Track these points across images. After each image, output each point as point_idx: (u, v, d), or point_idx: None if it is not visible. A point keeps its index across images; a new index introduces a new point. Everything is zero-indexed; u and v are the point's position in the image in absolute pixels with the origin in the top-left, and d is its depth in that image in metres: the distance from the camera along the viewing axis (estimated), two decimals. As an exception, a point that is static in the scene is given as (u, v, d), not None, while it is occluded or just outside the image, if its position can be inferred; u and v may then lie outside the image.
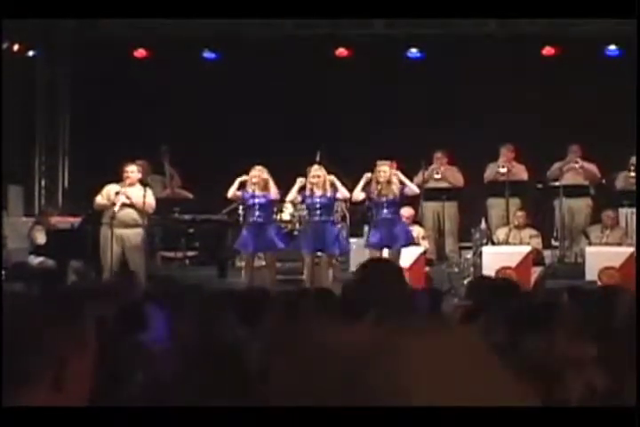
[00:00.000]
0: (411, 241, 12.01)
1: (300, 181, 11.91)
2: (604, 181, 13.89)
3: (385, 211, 11.81)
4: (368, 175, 11.83)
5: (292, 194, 11.99)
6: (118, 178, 11.97)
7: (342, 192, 11.93)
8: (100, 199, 11.91)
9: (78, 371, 1.96)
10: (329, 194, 11.86)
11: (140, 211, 11.81)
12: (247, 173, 11.94)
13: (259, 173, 11.90)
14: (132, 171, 11.93)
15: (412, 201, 13.01)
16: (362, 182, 11.86)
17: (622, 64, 14.62)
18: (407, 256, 12.10)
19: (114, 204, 11.70)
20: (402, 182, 11.85)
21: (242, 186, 11.97)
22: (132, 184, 11.88)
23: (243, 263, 12.28)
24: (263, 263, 12.14)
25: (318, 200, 11.84)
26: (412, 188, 11.98)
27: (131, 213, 11.78)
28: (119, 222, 11.68)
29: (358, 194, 11.92)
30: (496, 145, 14.19)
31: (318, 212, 11.84)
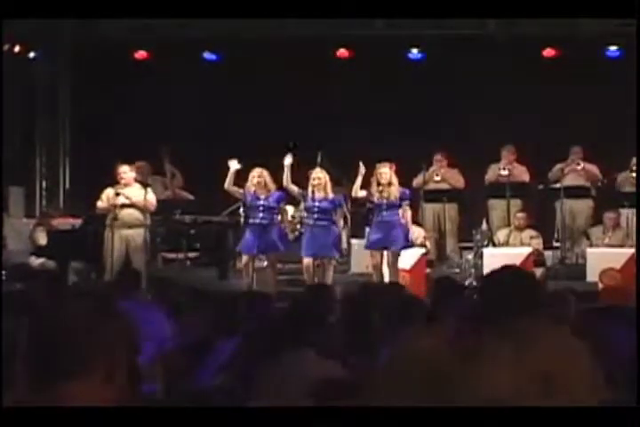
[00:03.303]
0: (409, 244, 12.00)
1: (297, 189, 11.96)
2: (601, 184, 13.88)
3: (385, 213, 11.83)
4: (362, 171, 11.80)
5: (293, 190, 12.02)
6: (116, 180, 11.99)
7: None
8: (100, 204, 11.96)
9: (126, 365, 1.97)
10: (330, 197, 11.86)
11: (142, 210, 11.83)
12: (247, 173, 11.95)
13: (259, 173, 11.91)
14: (125, 171, 11.96)
15: (412, 202, 13.00)
16: (359, 178, 11.84)
17: (623, 65, 14.61)
18: (408, 258, 12.09)
19: (114, 205, 11.71)
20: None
21: (240, 185, 11.96)
22: (128, 184, 11.91)
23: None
24: (264, 264, 12.13)
25: (319, 203, 11.83)
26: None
27: (133, 213, 11.80)
28: (122, 223, 11.70)
29: (357, 190, 11.92)
30: (497, 146, 14.18)
31: (318, 215, 11.84)
